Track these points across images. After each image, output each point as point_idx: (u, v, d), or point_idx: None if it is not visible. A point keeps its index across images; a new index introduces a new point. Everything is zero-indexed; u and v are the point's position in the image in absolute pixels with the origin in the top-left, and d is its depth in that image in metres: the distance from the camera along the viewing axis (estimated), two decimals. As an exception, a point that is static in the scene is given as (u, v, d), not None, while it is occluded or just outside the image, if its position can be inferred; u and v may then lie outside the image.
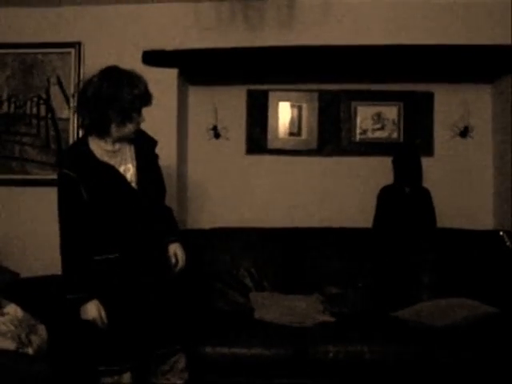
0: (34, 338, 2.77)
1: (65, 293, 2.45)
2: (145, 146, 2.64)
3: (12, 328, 2.69)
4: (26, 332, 2.75)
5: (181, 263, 2.67)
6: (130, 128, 2.50)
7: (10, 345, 2.62)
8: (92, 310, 2.41)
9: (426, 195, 4.03)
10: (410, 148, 4.21)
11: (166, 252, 2.66)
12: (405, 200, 3.99)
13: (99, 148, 2.50)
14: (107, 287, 2.47)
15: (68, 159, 2.52)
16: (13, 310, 2.81)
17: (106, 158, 2.50)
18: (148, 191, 2.58)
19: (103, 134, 2.49)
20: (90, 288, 2.43)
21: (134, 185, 2.53)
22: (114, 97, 2.42)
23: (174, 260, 2.66)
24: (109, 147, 2.52)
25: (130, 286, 2.50)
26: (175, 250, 2.67)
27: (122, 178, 2.51)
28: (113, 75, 2.47)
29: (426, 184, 4.08)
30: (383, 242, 3.85)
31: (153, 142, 2.70)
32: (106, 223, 2.49)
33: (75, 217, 2.44)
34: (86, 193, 2.42)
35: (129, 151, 2.58)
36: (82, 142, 2.54)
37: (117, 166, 2.51)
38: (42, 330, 2.87)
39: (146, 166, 2.60)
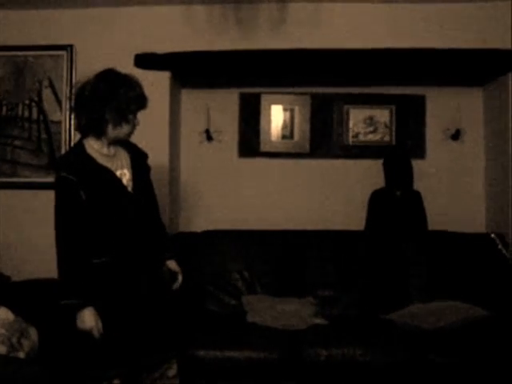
0: (25, 342, 2.75)
1: (60, 298, 2.42)
2: (138, 157, 2.66)
3: (3, 332, 2.68)
4: (17, 336, 2.73)
5: (179, 280, 2.71)
6: (125, 129, 2.51)
7: (0, 349, 2.60)
8: (89, 319, 2.38)
9: (416, 198, 4.02)
10: (400, 151, 4.21)
11: (162, 267, 2.70)
12: (396, 203, 3.99)
13: (96, 152, 2.51)
14: (100, 291, 2.44)
15: (66, 163, 2.50)
16: (4, 313, 2.79)
17: (103, 162, 2.50)
18: (143, 197, 2.60)
19: (100, 134, 2.49)
20: (86, 294, 2.40)
21: (129, 189, 2.54)
22: (111, 97, 2.43)
23: (170, 277, 2.70)
24: (105, 151, 2.53)
25: (123, 291, 2.49)
26: (173, 266, 2.73)
27: (118, 181, 2.52)
28: (109, 76, 2.48)
29: (417, 187, 4.10)
30: (375, 245, 3.85)
31: (144, 155, 2.72)
32: (103, 226, 2.48)
33: (74, 220, 2.42)
34: (85, 195, 2.42)
35: (124, 157, 2.60)
36: (79, 147, 2.54)
37: (114, 170, 2.52)
38: (33, 333, 2.85)
39: (140, 175, 2.62)
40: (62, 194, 2.45)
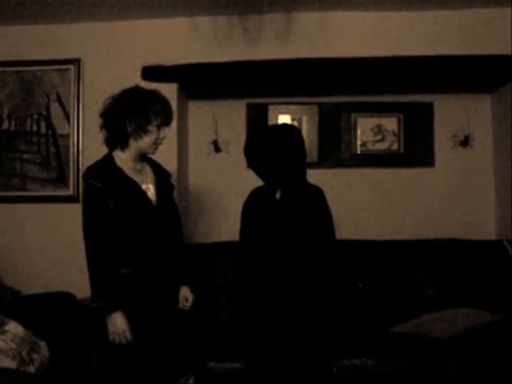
0: (36, 356, 2.75)
1: (91, 301, 2.48)
2: (161, 175, 2.75)
3: (13, 346, 2.67)
4: (27, 350, 2.73)
5: (189, 307, 2.75)
6: (146, 141, 2.58)
7: (10, 363, 2.60)
8: (121, 321, 2.44)
9: (310, 198, 2.97)
10: (269, 131, 3.14)
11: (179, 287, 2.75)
12: (273, 206, 2.94)
13: (125, 164, 2.59)
14: (125, 301, 2.48)
15: (94, 172, 2.57)
16: (14, 327, 2.79)
17: (131, 174, 2.58)
18: (166, 212, 2.67)
19: (123, 146, 2.59)
20: (117, 298, 2.46)
21: (154, 204, 2.61)
22: (130, 108, 2.52)
23: (183, 303, 2.74)
24: (132, 164, 2.61)
25: (146, 303, 2.53)
26: (185, 293, 2.75)
27: (144, 194, 2.59)
28: (132, 91, 2.59)
29: (427, 194, 4.06)
30: (384, 255, 3.81)
31: (167, 174, 2.81)
32: (127, 237, 2.53)
33: (102, 226, 2.48)
34: (111, 203, 2.49)
35: (149, 173, 2.69)
36: (108, 158, 2.62)
37: (139, 183, 2.60)
38: (43, 347, 2.85)
39: (164, 192, 2.70)
40: (89, 200, 2.52)
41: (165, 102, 2.61)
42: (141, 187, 2.59)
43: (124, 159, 2.60)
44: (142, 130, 2.54)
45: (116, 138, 2.58)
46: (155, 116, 2.55)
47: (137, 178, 2.60)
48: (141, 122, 2.52)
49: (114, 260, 2.48)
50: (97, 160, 2.65)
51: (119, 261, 2.49)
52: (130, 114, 2.51)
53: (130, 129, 2.53)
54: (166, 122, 2.62)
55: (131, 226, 2.53)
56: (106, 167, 2.57)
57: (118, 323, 2.43)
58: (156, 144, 2.62)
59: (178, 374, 2.64)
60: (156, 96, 2.59)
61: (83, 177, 2.58)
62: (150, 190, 2.63)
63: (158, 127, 2.58)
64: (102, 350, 2.60)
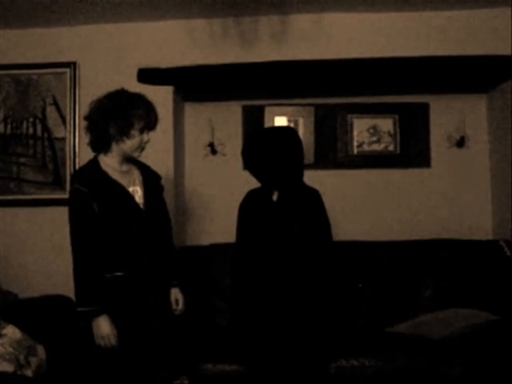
0: (33, 360, 2.75)
1: (76, 306, 2.48)
2: (150, 178, 2.72)
3: (10, 350, 2.67)
4: (24, 353, 2.72)
5: (181, 308, 2.75)
6: (128, 145, 2.55)
7: (8, 367, 2.59)
8: (105, 325, 2.43)
9: (307, 200, 2.98)
10: (267, 133, 3.13)
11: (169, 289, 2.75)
12: (270, 208, 2.95)
13: (110, 167, 2.57)
14: (112, 305, 2.48)
15: (80, 176, 2.57)
16: (11, 331, 2.78)
17: (116, 177, 2.56)
18: (154, 215, 2.65)
19: (106, 149, 2.57)
20: (101, 302, 2.45)
21: (141, 206, 2.60)
22: (113, 111, 2.49)
23: (175, 305, 2.74)
24: (117, 167, 2.59)
25: (134, 306, 2.52)
26: (176, 295, 2.75)
27: (130, 197, 2.58)
28: (115, 94, 2.56)
29: (423, 195, 4.06)
30: (382, 255, 3.82)
31: (157, 176, 2.78)
32: (114, 239, 2.52)
33: (87, 230, 2.47)
34: (97, 207, 2.47)
35: (137, 175, 2.66)
36: (94, 162, 2.61)
37: (126, 186, 2.58)
38: (40, 350, 2.85)
39: (152, 194, 2.67)
40: (75, 204, 2.51)
41: (149, 106, 2.57)
42: (127, 190, 2.57)
43: (109, 163, 2.58)
44: (124, 134, 2.51)
45: (99, 141, 2.56)
46: (138, 120, 2.52)
47: (123, 181, 2.58)
48: (123, 125, 2.49)
49: (101, 264, 2.47)
50: (83, 164, 2.65)
51: (107, 264, 2.48)
52: (112, 117, 2.49)
53: (112, 132, 2.50)
54: (150, 126, 2.59)
55: (118, 229, 2.52)
56: (91, 171, 2.56)
57: (102, 327, 2.43)
58: (140, 148, 2.60)
59: (170, 377, 2.63)
60: (140, 100, 2.56)
61: (70, 181, 2.58)
62: (138, 192, 2.61)
63: (141, 131, 2.55)
64: (90, 353, 2.59)
